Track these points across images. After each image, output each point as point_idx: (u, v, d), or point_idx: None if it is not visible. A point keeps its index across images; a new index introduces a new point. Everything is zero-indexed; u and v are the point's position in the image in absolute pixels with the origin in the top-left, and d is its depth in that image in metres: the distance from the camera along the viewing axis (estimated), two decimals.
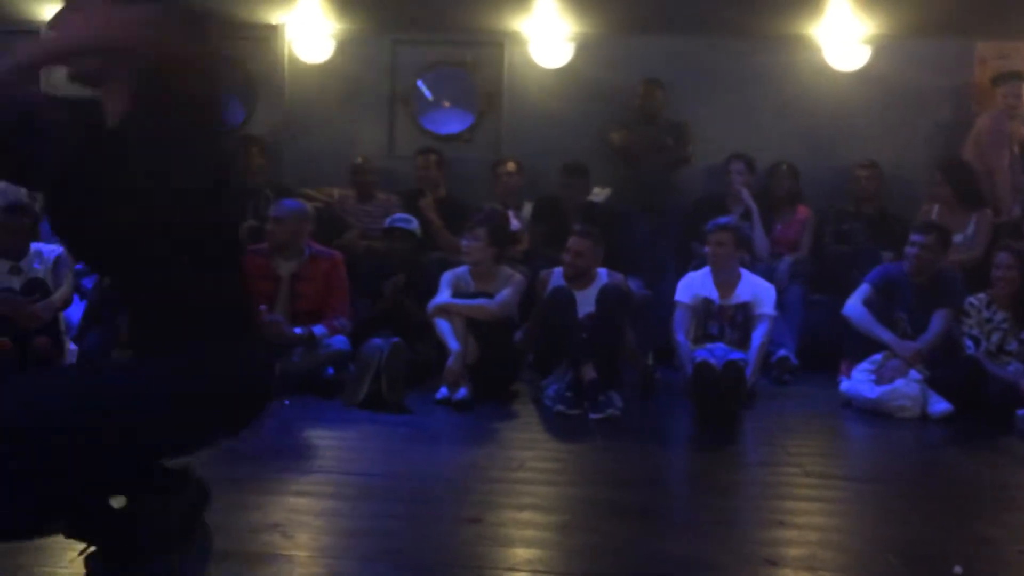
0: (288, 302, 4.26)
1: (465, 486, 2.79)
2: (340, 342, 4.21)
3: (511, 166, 5.60)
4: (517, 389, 4.24)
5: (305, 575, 2.03)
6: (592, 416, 3.71)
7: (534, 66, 5.96)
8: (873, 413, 3.91)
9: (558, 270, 4.37)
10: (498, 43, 6.06)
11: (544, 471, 2.97)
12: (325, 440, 3.33)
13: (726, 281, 4.34)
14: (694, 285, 4.36)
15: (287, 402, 3.91)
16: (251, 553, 2.11)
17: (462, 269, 4.35)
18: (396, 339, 3.98)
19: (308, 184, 5.68)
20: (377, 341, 4.00)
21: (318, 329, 4.17)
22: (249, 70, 6.23)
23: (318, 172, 5.89)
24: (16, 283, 3.79)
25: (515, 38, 5.99)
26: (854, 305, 4.25)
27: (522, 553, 2.20)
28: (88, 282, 4.58)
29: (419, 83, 6.20)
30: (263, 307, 4.11)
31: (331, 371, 4.20)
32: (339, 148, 5.95)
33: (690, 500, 2.92)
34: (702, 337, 4.27)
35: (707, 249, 4.42)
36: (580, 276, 4.24)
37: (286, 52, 6.09)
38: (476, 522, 2.41)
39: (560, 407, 3.80)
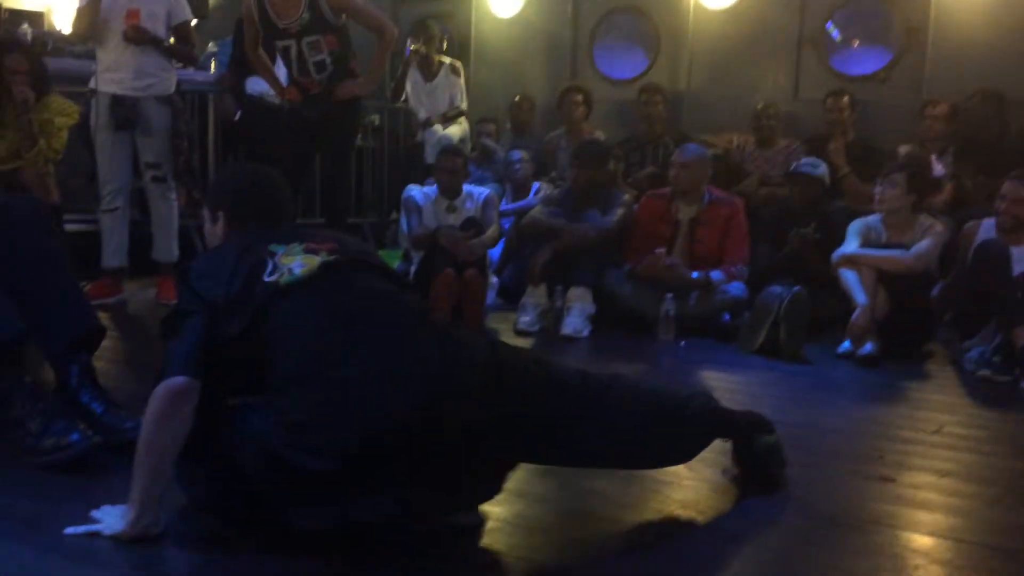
0: (687, 246, 4.30)
1: (872, 444, 2.62)
2: (737, 288, 4.17)
3: (942, 108, 5.03)
4: (931, 349, 3.88)
5: (709, 508, 2.06)
6: None
7: None
8: None
9: (988, 222, 3.88)
10: None
11: (967, 438, 2.70)
12: (723, 383, 3.33)
13: None
14: None
15: (683, 343, 3.99)
16: (657, 480, 2.19)
17: (873, 218, 4.04)
18: (798, 287, 3.83)
19: (707, 132, 5.66)
20: (777, 289, 3.88)
21: (715, 274, 4.17)
22: (653, 19, 6.35)
23: (717, 119, 5.85)
24: (453, 220, 4.28)
25: None
26: None
27: (945, 520, 2.03)
28: (506, 223, 5.04)
29: (828, 25, 5.83)
30: (661, 250, 4.20)
31: (727, 317, 4.18)
32: (740, 94, 5.83)
33: None
34: None
35: None
36: (1019, 228, 3.72)
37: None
38: (889, 481, 2.26)
39: (985, 371, 3.41)
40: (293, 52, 4.02)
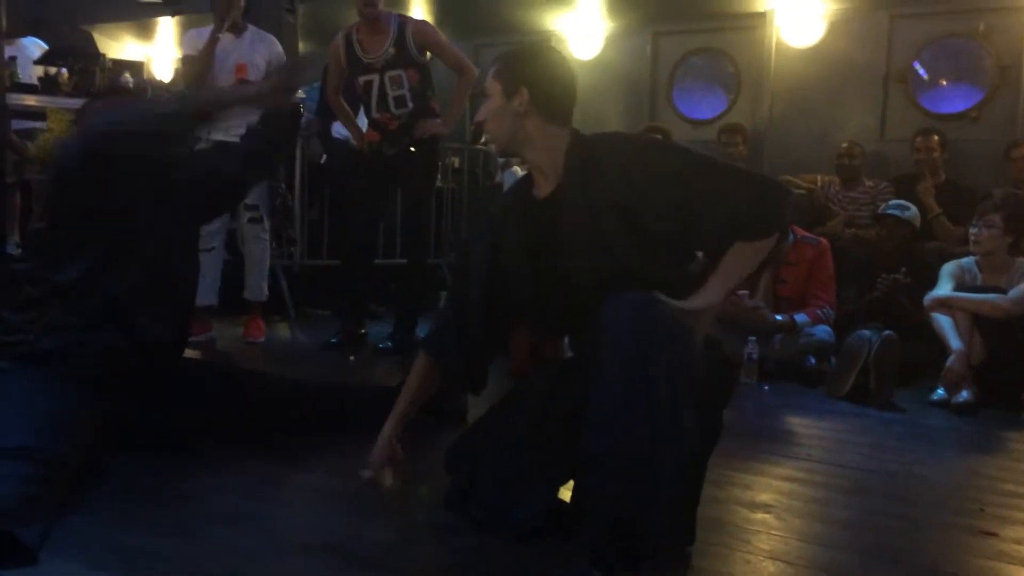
0: (770, 288, 4.22)
1: (971, 495, 2.51)
2: (823, 332, 4.06)
3: None
4: None
5: (800, 558, 2.00)
6: None
7: None
8: None
9: None
10: (1017, 7, 5.33)
11: None
12: (810, 429, 3.24)
13: None
14: None
15: (766, 387, 3.91)
16: (744, 528, 2.13)
17: (967, 260, 3.92)
18: (888, 332, 3.72)
19: (789, 171, 5.58)
20: (866, 333, 3.78)
21: (800, 317, 4.08)
22: (734, 59, 6.33)
23: (800, 159, 5.78)
24: None
25: None
26: None
27: None
28: None
29: (915, 64, 5.72)
30: (744, 292, 4.13)
31: (812, 360, 4.08)
32: (824, 133, 5.76)
33: None
34: None
35: None
36: None
37: (773, 38, 6.04)
38: (991, 536, 2.15)
39: None
40: (375, 86, 4.09)
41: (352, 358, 4.11)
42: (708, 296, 1.86)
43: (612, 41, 6.76)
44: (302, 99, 5.97)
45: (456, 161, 6.62)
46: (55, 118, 4.21)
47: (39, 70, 5.20)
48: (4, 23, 3.81)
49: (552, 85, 1.99)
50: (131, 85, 5.44)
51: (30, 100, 4.65)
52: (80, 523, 1.91)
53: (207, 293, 4.40)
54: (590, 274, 1.92)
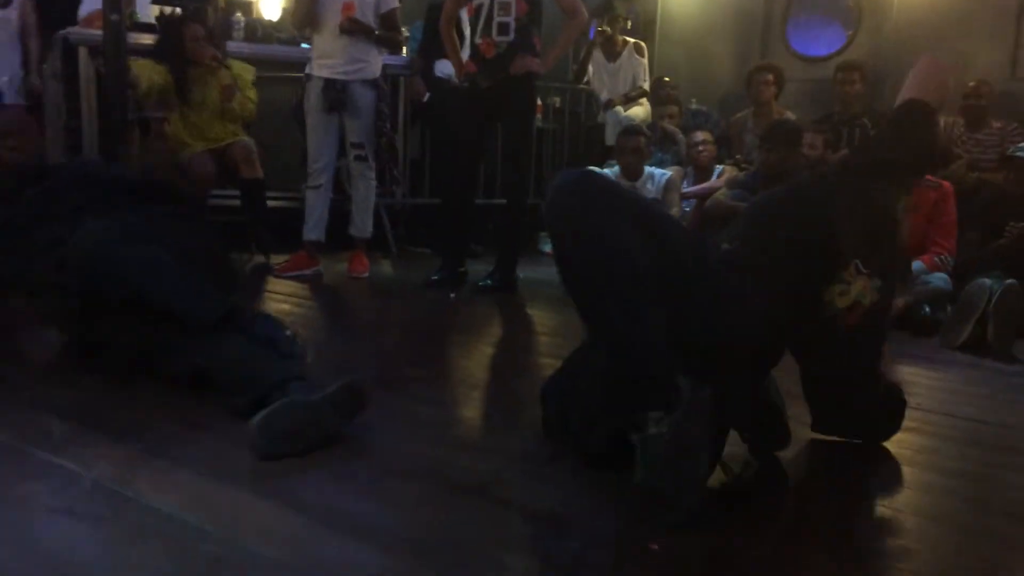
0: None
1: None
2: (940, 279, 3.89)
3: None
4: None
5: (907, 505, 1.94)
6: None
7: None
8: None
9: None
10: None
11: None
12: (921, 378, 3.12)
13: None
14: None
15: None
16: (849, 472, 2.09)
17: None
18: (1011, 280, 3.53)
19: None
20: (986, 281, 3.59)
21: (916, 264, 3.91)
22: None
23: None
24: None
25: None
26: None
27: None
28: (686, 205, 4.94)
29: None
30: None
31: (927, 309, 3.92)
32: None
33: None
34: None
35: None
36: None
37: None
38: None
39: None
40: (484, 9, 4.06)
41: (453, 295, 4.17)
42: None
43: None
44: (404, 37, 5.99)
45: (558, 101, 6.54)
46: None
47: (155, 10, 5.34)
48: None
49: None
50: (242, 25, 5.55)
51: (147, 39, 4.79)
52: (208, 441, 2.02)
53: (314, 229, 4.53)
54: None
